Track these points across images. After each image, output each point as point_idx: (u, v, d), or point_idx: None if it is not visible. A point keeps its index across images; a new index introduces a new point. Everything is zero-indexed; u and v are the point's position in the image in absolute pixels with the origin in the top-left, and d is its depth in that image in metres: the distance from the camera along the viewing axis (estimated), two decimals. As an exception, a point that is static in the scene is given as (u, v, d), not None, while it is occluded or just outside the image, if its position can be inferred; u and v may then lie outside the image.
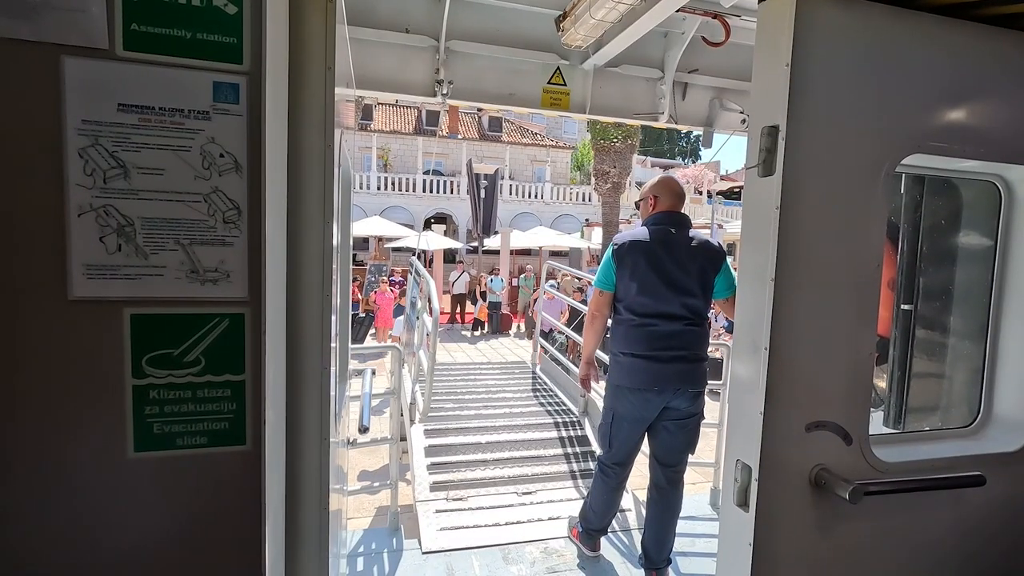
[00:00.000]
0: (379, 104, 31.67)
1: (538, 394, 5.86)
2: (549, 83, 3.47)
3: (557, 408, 5.44)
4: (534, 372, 6.54)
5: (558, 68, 3.47)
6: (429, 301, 4.76)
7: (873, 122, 1.38)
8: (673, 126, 3.77)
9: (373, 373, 2.44)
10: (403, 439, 4.49)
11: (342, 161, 1.77)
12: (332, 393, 1.53)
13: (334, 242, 1.49)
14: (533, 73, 3.49)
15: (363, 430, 2.09)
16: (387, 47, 3.19)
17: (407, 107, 32.70)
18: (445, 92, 3.24)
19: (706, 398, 2.90)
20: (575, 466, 4.40)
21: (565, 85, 3.50)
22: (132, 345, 1.01)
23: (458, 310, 17.43)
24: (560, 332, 9.82)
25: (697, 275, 2.73)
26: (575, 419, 5.13)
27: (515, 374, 6.65)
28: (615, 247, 2.85)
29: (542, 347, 6.83)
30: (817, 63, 1.30)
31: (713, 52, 3.43)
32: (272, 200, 1.12)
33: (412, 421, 4.74)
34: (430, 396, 4.60)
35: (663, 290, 2.72)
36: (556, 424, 5.06)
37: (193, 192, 1.02)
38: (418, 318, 5.66)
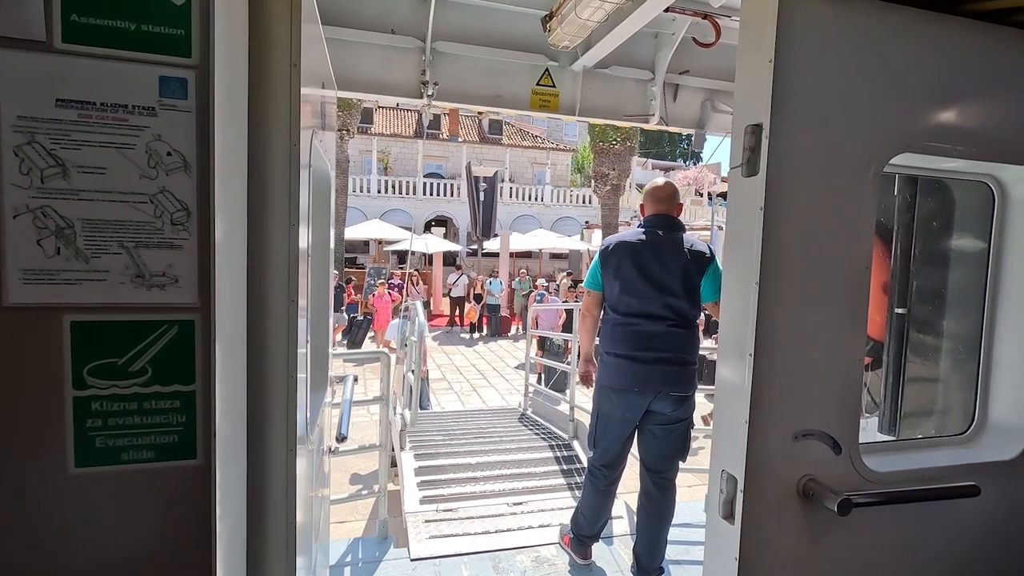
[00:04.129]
0: (379, 107, 31.73)
1: (527, 426, 5.97)
2: (538, 85, 3.43)
3: (546, 434, 5.51)
4: (523, 413, 6.67)
5: (546, 69, 3.43)
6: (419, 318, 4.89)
7: (860, 120, 1.33)
8: (664, 128, 3.73)
9: (355, 380, 2.39)
10: (393, 464, 4.53)
11: (317, 162, 1.72)
12: (303, 401, 1.48)
13: (304, 245, 1.44)
14: (521, 74, 3.45)
15: (340, 439, 2.03)
16: (372, 48, 3.16)
17: (408, 110, 32.76)
18: (430, 93, 3.20)
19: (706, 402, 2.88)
20: (566, 480, 4.39)
21: (554, 87, 3.45)
22: (73, 354, 0.95)
23: (457, 313, 17.45)
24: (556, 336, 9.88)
25: (680, 275, 2.70)
26: (565, 442, 5.17)
27: (505, 415, 6.85)
28: (602, 248, 2.88)
29: (533, 389, 7.09)
30: (801, 59, 1.26)
31: (704, 53, 3.39)
32: (226, 201, 1.07)
33: (402, 447, 4.74)
34: (416, 407, 4.62)
35: (645, 289, 2.71)
36: (546, 446, 5.10)
37: (138, 192, 0.96)
38: (406, 344, 5.81)
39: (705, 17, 2.93)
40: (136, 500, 1.01)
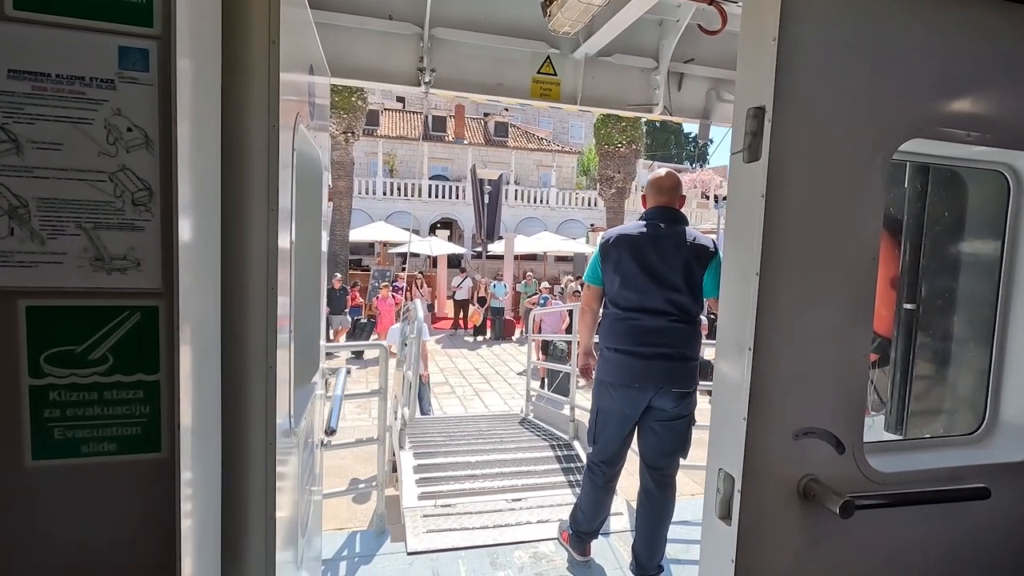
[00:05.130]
0: (385, 109, 31.73)
1: (528, 428, 5.95)
2: (539, 73, 3.37)
3: (546, 435, 5.49)
4: (524, 417, 6.64)
5: (548, 57, 3.37)
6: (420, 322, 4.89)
7: (868, 103, 1.26)
8: (668, 118, 3.66)
9: (348, 373, 2.34)
10: (394, 470, 4.55)
11: (304, 146, 1.67)
12: (286, 394, 1.43)
13: (285, 232, 1.38)
14: (522, 62, 3.39)
15: (330, 432, 1.99)
16: (369, 34, 3.11)
17: (414, 112, 32.78)
18: (428, 80, 3.14)
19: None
20: (565, 477, 4.35)
21: (555, 75, 3.39)
22: (28, 341, 0.90)
23: (461, 316, 17.38)
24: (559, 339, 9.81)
25: (681, 269, 2.64)
26: (565, 442, 5.13)
27: (506, 419, 6.84)
28: (602, 241, 2.82)
29: (535, 394, 7.07)
30: (807, 38, 1.19)
31: (710, 41, 3.30)
32: (195, 181, 1.02)
33: (402, 446, 4.72)
34: (415, 403, 4.60)
35: (646, 284, 2.65)
36: (547, 446, 5.07)
37: (97, 170, 0.91)
38: (406, 344, 5.79)
39: (711, 3, 2.85)
40: (97, 494, 0.96)
